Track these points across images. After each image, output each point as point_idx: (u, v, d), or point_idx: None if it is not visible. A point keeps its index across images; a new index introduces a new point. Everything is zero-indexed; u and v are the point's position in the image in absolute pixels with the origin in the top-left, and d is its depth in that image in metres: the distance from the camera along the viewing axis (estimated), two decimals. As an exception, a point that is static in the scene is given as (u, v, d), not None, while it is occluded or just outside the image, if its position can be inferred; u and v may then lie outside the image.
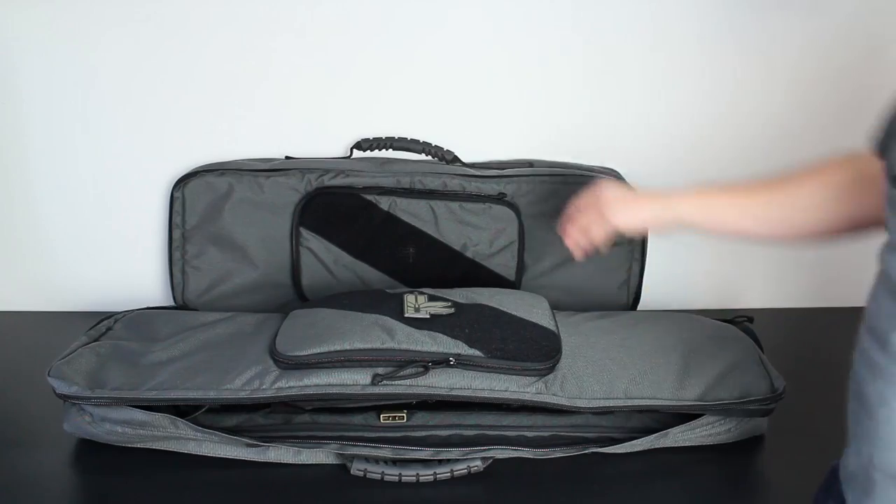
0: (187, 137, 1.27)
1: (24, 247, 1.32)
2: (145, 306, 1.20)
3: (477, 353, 0.99)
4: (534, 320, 1.06)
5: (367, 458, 0.97)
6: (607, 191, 1.00)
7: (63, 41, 1.20)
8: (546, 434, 1.01)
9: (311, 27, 1.21)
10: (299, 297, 1.25)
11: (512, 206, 1.24)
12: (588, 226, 1.01)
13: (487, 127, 1.29)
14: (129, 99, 1.24)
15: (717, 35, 1.23)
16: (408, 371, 0.97)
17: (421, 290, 1.12)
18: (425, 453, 0.97)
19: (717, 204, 0.94)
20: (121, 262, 1.31)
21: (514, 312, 1.07)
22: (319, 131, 1.27)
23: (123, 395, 0.97)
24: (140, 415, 0.97)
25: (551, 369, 1.00)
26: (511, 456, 0.99)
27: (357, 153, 1.25)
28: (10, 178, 1.28)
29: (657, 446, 1.01)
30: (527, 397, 0.98)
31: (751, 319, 1.16)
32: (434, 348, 0.99)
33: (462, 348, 0.99)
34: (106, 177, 1.29)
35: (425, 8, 1.22)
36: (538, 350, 1.01)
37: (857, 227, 0.88)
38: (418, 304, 1.07)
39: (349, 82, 1.25)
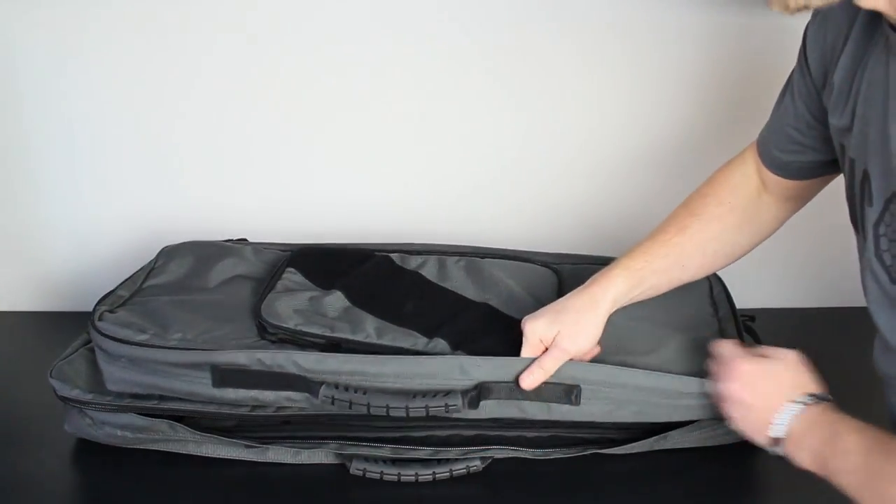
0: (189, 138, 1.27)
1: (24, 247, 1.32)
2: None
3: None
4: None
5: (366, 458, 0.97)
6: (567, 342, 0.94)
7: (66, 42, 1.20)
8: (545, 434, 1.00)
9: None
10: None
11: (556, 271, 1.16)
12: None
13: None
14: (131, 100, 1.24)
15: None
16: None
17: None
18: (424, 453, 0.97)
19: (644, 279, 0.97)
20: (122, 262, 1.31)
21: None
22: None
23: (124, 404, 0.98)
24: (139, 420, 0.97)
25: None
26: (510, 456, 0.99)
27: None
28: (10, 178, 1.28)
29: (657, 448, 1.01)
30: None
31: (752, 319, 1.16)
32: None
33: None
34: (106, 177, 1.29)
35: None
36: None
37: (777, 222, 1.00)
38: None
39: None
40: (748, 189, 1.00)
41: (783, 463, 1.02)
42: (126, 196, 1.30)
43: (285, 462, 0.99)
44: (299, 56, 1.24)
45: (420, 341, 1.00)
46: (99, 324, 0.99)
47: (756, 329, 1.13)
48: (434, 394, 0.94)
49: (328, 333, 1.00)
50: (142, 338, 0.98)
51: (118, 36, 1.21)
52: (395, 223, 1.32)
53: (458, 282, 1.12)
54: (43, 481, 0.98)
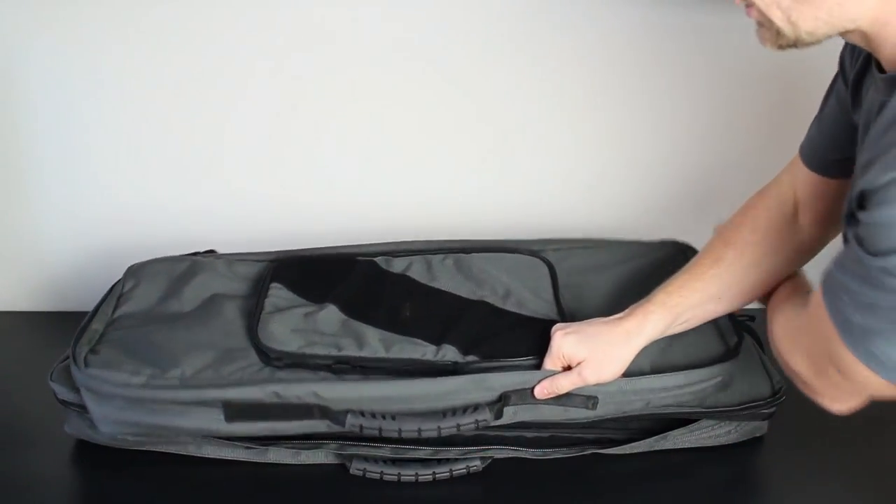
0: (189, 139, 1.27)
1: (23, 247, 1.32)
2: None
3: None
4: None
5: (366, 458, 0.97)
6: (589, 373, 0.94)
7: (65, 43, 1.20)
8: (545, 435, 1.00)
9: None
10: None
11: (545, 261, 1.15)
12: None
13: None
14: (131, 100, 1.24)
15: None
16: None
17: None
18: (424, 453, 0.97)
19: (680, 314, 0.96)
20: (121, 261, 1.31)
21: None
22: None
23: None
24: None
25: None
26: (510, 456, 0.99)
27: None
28: (9, 178, 1.28)
29: (657, 448, 1.01)
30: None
31: (752, 319, 1.16)
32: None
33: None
34: (106, 177, 1.29)
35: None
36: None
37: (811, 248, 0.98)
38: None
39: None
40: (784, 211, 0.97)
41: (783, 463, 1.02)
42: (124, 195, 1.30)
43: (285, 462, 0.99)
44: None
45: (429, 350, 0.99)
46: (87, 370, 0.95)
47: (756, 328, 1.13)
48: (463, 410, 0.94)
49: (335, 353, 0.98)
50: (138, 380, 0.94)
51: (114, 37, 1.20)
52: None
53: (449, 281, 1.11)
54: (43, 482, 0.98)
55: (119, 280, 1.12)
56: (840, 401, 0.79)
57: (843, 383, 0.75)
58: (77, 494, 1.00)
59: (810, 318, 0.76)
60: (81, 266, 1.33)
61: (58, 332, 1.17)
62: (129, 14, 1.19)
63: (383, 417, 0.93)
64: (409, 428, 0.93)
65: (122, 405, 0.94)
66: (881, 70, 0.74)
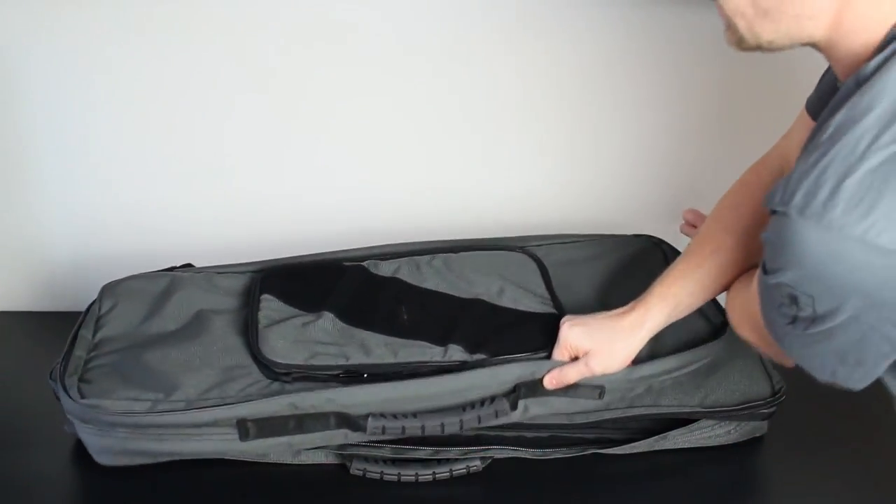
0: (189, 139, 1.27)
1: (24, 247, 1.32)
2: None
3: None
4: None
5: (366, 458, 0.97)
6: (595, 363, 0.96)
7: (65, 43, 1.20)
8: (545, 435, 1.00)
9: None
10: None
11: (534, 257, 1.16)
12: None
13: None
14: (130, 100, 1.24)
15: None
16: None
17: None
18: (424, 453, 0.97)
19: (680, 302, 0.97)
20: (121, 262, 1.31)
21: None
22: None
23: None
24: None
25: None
26: (510, 456, 0.99)
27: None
28: (9, 178, 1.28)
29: (657, 448, 1.01)
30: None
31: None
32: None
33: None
34: (105, 176, 1.29)
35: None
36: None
37: None
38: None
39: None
40: None
41: (783, 462, 1.02)
42: (124, 194, 1.30)
43: (285, 462, 0.99)
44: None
45: (435, 351, 0.98)
46: (84, 401, 0.92)
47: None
48: (482, 403, 0.95)
49: (344, 362, 0.97)
50: (141, 406, 0.92)
51: (114, 37, 1.20)
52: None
53: (440, 281, 1.10)
54: (43, 481, 0.98)
55: (94, 301, 1.09)
56: (787, 361, 0.85)
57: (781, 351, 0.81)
58: (77, 494, 1.00)
59: (752, 296, 0.81)
60: (81, 266, 1.33)
61: (58, 332, 1.16)
62: (129, 15, 1.19)
63: (405, 417, 0.93)
64: (433, 424, 0.93)
65: (126, 435, 0.92)
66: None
